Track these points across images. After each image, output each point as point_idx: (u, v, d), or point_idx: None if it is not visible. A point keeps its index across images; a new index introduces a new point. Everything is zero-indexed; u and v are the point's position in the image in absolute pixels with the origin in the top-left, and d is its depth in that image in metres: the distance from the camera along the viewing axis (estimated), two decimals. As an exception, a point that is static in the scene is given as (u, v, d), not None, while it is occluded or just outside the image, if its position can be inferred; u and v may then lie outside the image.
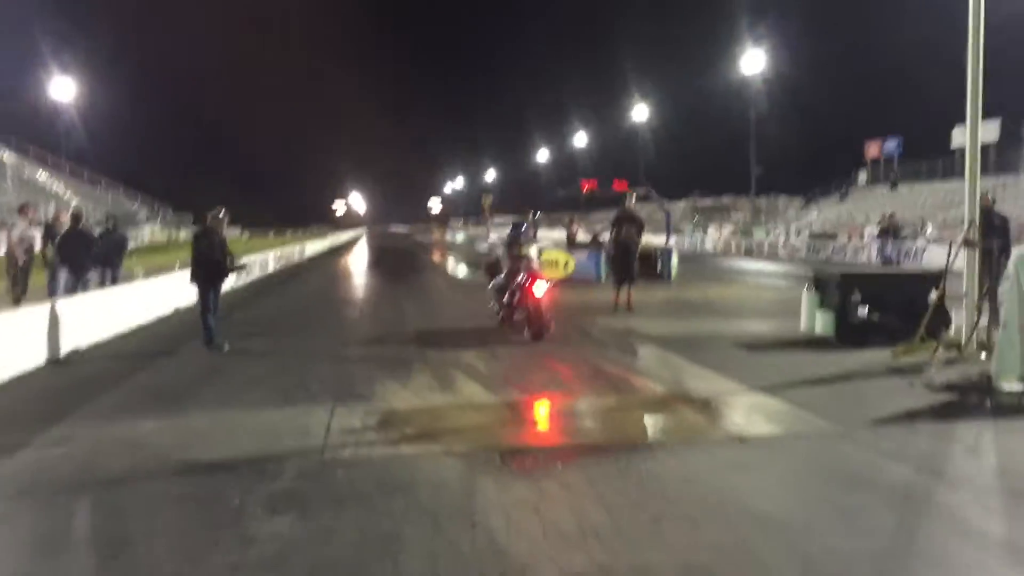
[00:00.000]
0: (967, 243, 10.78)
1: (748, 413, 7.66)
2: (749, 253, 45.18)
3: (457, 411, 7.99)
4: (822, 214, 64.24)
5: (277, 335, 13.58)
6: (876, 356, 10.54)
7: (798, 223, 59.36)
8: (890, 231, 30.96)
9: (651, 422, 7.48)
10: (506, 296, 12.80)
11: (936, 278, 11.67)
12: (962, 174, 39.75)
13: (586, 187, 27.22)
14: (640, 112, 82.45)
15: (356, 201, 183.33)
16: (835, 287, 11.54)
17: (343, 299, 21.05)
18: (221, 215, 11.75)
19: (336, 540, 4.85)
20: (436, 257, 46.81)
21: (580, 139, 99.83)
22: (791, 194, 78.93)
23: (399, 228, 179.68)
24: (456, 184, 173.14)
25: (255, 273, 25.98)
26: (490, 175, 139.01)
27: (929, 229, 33.22)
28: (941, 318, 11.28)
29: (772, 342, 11.90)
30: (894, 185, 63.63)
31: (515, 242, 13.05)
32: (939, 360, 9.93)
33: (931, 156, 62.70)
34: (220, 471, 6.16)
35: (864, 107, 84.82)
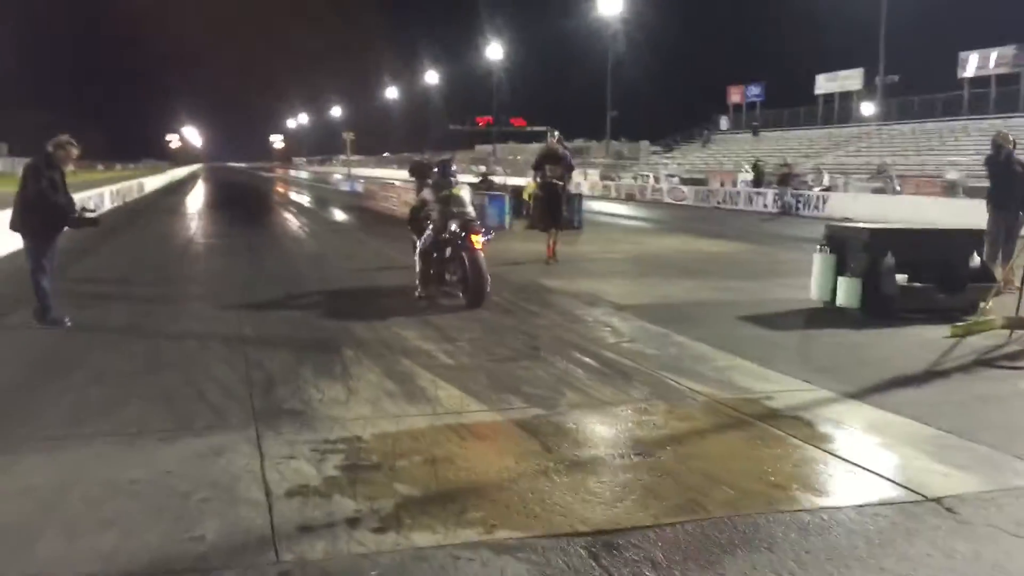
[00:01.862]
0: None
1: (892, 445, 5.24)
2: (631, 198, 43.45)
3: (454, 439, 5.25)
4: (686, 159, 63.54)
5: (137, 300, 10.32)
6: (929, 335, 8.43)
7: (666, 169, 58.25)
8: (788, 178, 29.68)
9: (773, 467, 4.92)
10: (434, 250, 10.11)
11: (975, 237, 9.70)
12: (826, 122, 39.59)
13: (483, 123, 24.41)
14: (495, 51, 79.04)
15: (191, 135, 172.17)
16: (861, 248, 9.34)
17: (209, 246, 17.62)
18: (68, 144, 8.37)
19: None
20: (292, 195, 42.95)
21: (432, 77, 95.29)
22: (650, 139, 78.11)
23: (238, 165, 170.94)
24: (301, 120, 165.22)
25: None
26: (336, 112, 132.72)
27: (826, 177, 32.16)
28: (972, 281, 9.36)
29: (784, 315, 9.63)
30: (756, 131, 63.51)
31: (445, 183, 10.32)
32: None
33: (793, 103, 62.90)
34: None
35: (726, 53, 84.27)
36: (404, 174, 61.34)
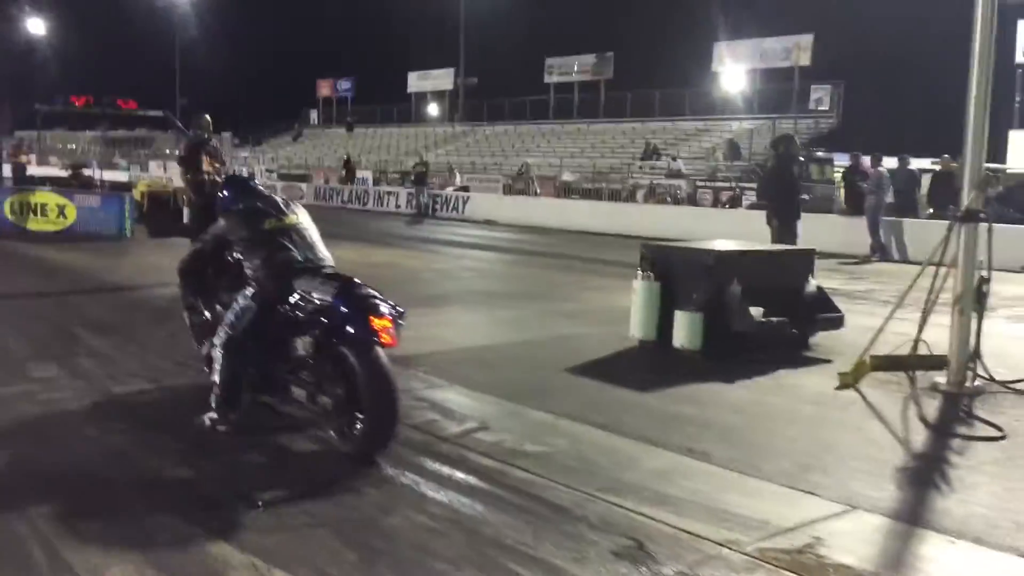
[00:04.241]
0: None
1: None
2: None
3: None
4: (277, 154, 59.84)
5: None
6: (811, 385, 6.85)
7: (259, 164, 54.27)
8: (425, 177, 27.96)
9: None
10: (257, 340, 5.23)
11: (808, 258, 8.36)
12: (420, 120, 39.42)
13: (81, 103, 19.61)
14: (36, 26, 66.86)
15: None
16: (703, 273, 7.51)
17: None
18: None
19: None
20: None
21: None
22: (232, 131, 72.88)
23: None
24: None
25: None
26: None
27: (458, 177, 31.01)
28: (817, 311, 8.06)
29: (616, 361, 7.52)
30: (350, 127, 61.75)
31: (264, 205, 5.52)
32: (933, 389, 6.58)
33: (385, 100, 61.90)
34: None
35: (312, 45, 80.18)
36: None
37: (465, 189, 29.08)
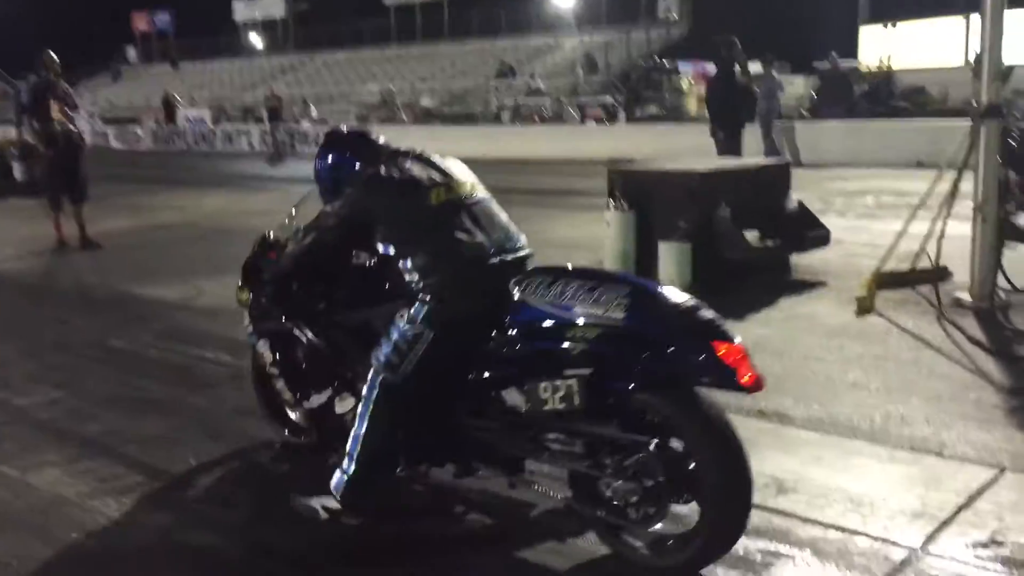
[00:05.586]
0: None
1: None
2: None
3: None
4: (97, 97, 55.07)
5: None
6: (825, 314, 6.20)
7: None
8: (279, 112, 25.92)
9: None
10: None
11: (783, 172, 7.67)
12: (252, 52, 36.92)
13: None
14: None
15: None
16: (687, 199, 6.68)
17: None
18: None
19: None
20: None
21: None
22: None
23: None
24: None
25: None
26: None
27: (313, 110, 28.94)
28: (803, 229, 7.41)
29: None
30: (175, 64, 57.57)
31: (423, 174, 3.41)
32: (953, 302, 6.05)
33: (211, 32, 57.77)
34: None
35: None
36: None
37: (324, 122, 27.26)
